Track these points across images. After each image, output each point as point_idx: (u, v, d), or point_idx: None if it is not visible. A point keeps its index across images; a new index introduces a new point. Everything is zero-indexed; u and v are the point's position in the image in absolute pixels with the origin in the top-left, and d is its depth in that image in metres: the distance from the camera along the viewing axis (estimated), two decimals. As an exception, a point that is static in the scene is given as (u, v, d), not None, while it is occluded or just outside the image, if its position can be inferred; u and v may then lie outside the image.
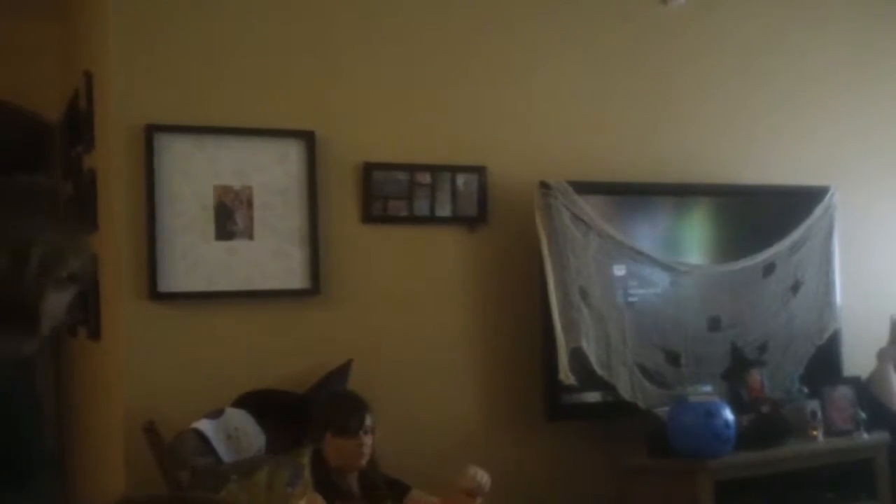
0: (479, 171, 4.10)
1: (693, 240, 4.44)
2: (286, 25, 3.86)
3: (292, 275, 3.78)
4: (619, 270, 4.16)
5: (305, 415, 3.43)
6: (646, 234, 4.29)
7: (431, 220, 4.03)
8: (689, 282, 4.31)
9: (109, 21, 3.67)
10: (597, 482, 4.13)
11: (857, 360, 4.57)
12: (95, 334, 3.92)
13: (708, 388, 4.07)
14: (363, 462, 3.34)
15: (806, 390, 4.29)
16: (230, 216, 3.71)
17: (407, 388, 3.91)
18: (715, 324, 4.33)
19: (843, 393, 4.34)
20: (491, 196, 4.12)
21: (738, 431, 3.89)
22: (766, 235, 4.47)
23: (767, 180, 4.61)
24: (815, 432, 4.17)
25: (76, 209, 4.14)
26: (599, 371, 4.05)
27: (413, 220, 4.00)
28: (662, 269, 4.25)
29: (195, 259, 3.64)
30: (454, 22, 4.16)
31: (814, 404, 4.23)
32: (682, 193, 4.42)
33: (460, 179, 4.06)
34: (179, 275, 3.62)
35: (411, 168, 3.99)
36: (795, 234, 4.50)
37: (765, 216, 4.53)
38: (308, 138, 3.82)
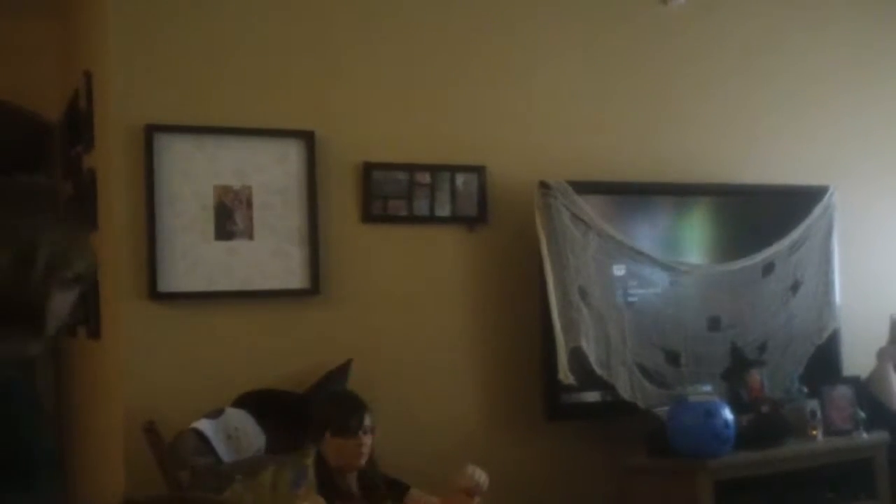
0: (479, 170, 4.10)
1: (693, 239, 4.45)
2: (286, 25, 3.87)
3: (292, 275, 3.78)
4: (619, 270, 4.16)
5: (305, 415, 3.43)
6: (645, 233, 4.29)
7: (431, 219, 4.03)
8: (688, 281, 4.31)
9: (109, 21, 3.67)
10: (596, 482, 4.13)
11: (857, 359, 4.58)
12: (95, 334, 3.92)
13: (708, 388, 4.08)
14: (363, 462, 3.34)
15: (805, 390, 4.29)
16: (230, 216, 3.71)
17: (406, 388, 3.91)
18: (714, 323, 4.34)
19: (842, 392, 4.34)
20: (490, 196, 4.12)
21: (738, 431, 3.89)
22: (766, 235, 4.47)
23: (767, 180, 4.61)
24: (814, 432, 4.17)
25: (76, 209, 4.15)
26: (599, 371, 4.05)
27: (413, 219, 4.01)
28: (662, 268, 4.25)
29: (195, 259, 3.65)
30: (454, 22, 4.16)
31: (813, 404, 4.23)
32: (681, 193, 4.42)
33: (460, 179, 4.07)
34: (179, 275, 3.62)
35: (411, 168, 3.99)
36: (795, 234, 4.50)
37: (764, 216, 4.53)
38: (308, 138, 3.82)
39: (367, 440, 3.33)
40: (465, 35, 4.17)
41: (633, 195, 4.33)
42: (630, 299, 4.18)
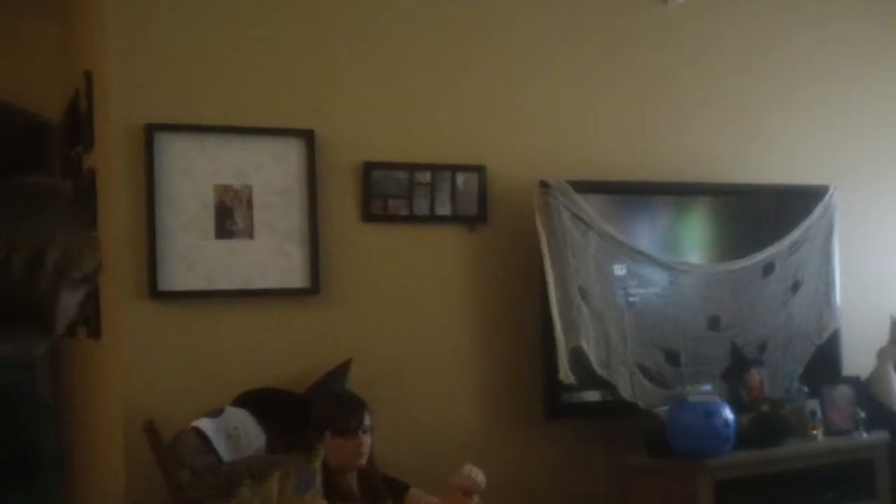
0: (479, 170, 4.10)
1: (693, 239, 4.45)
2: (286, 24, 3.87)
3: (292, 274, 3.78)
4: (619, 270, 4.16)
5: (305, 414, 3.43)
6: (645, 233, 4.29)
7: (431, 219, 4.03)
8: (688, 281, 4.31)
9: (109, 21, 3.67)
10: (596, 481, 4.13)
11: (857, 359, 4.57)
12: (95, 333, 3.92)
13: (707, 388, 4.07)
14: (362, 461, 3.34)
15: (805, 390, 4.29)
16: (230, 215, 3.71)
17: (406, 387, 3.91)
18: (714, 323, 4.33)
19: (842, 392, 4.34)
20: (490, 195, 4.12)
21: (738, 431, 3.89)
22: (766, 235, 4.47)
23: (767, 179, 4.61)
24: (814, 432, 4.18)
25: (82, 208, 4.14)
26: (599, 370, 4.05)
27: (413, 219, 4.01)
28: (662, 268, 4.25)
29: (195, 258, 3.65)
30: (454, 21, 4.16)
31: (813, 404, 4.23)
32: (681, 193, 4.42)
33: (460, 178, 4.07)
34: (179, 274, 3.62)
35: (411, 167, 3.99)
36: (795, 234, 4.50)
37: (764, 215, 4.53)
38: (308, 137, 3.82)
39: (367, 440, 3.33)
40: (465, 34, 4.17)
41: (633, 195, 4.33)
42: (630, 299, 4.18)
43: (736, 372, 4.25)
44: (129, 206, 3.60)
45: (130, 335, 3.59)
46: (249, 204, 3.73)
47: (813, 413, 4.19)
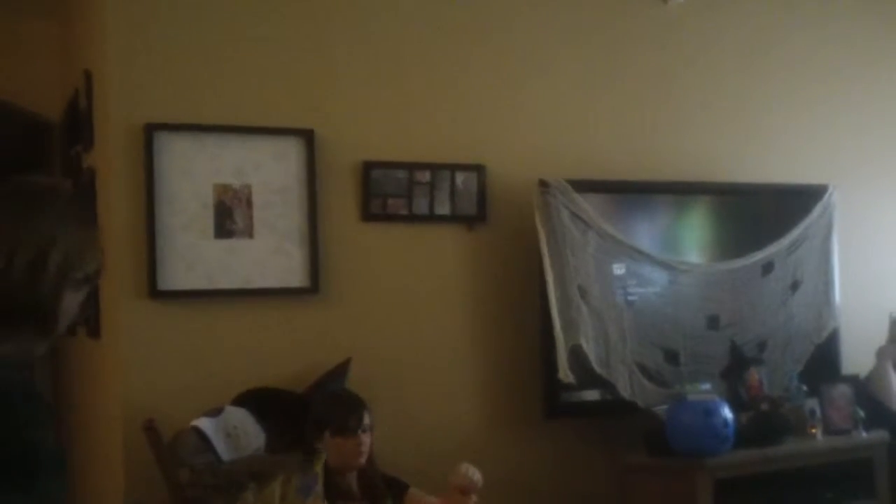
0: (479, 169, 4.10)
1: (692, 238, 4.45)
2: (286, 24, 3.87)
3: (291, 273, 3.78)
4: (619, 269, 4.16)
5: (304, 413, 3.43)
6: (645, 232, 4.29)
7: (431, 218, 4.04)
8: (688, 280, 4.31)
9: (108, 20, 3.67)
10: (596, 481, 4.13)
11: (856, 358, 4.57)
12: (95, 333, 3.92)
13: (707, 387, 4.07)
14: (362, 461, 3.35)
15: (805, 389, 4.29)
16: (230, 215, 3.71)
17: (406, 387, 3.91)
18: (714, 322, 4.34)
19: (842, 391, 4.34)
20: (490, 194, 4.12)
21: (737, 430, 3.89)
22: (765, 234, 4.47)
23: (766, 179, 4.61)
24: (813, 431, 4.18)
25: (85, 207, 4.14)
26: (598, 370, 4.05)
27: (412, 218, 4.01)
28: (661, 267, 4.25)
29: (195, 257, 3.65)
30: (454, 21, 4.16)
31: (813, 403, 4.23)
32: (681, 192, 4.42)
33: (459, 178, 4.07)
34: (179, 273, 3.62)
35: (410, 166, 3.99)
36: (794, 233, 4.50)
37: (764, 215, 4.53)
38: (307, 136, 3.82)
39: (366, 439, 3.33)
40: (464, 34, 4.17)
41: (632, 194, 4.33)
42: (629, 298, 4.18)
43: (735, 371, 4.25)
44: (128, 206, 3.60)
45: (130, 335, 3.59)
46: (249, 203, 3.73)
47: (812, 412, 4.20)
